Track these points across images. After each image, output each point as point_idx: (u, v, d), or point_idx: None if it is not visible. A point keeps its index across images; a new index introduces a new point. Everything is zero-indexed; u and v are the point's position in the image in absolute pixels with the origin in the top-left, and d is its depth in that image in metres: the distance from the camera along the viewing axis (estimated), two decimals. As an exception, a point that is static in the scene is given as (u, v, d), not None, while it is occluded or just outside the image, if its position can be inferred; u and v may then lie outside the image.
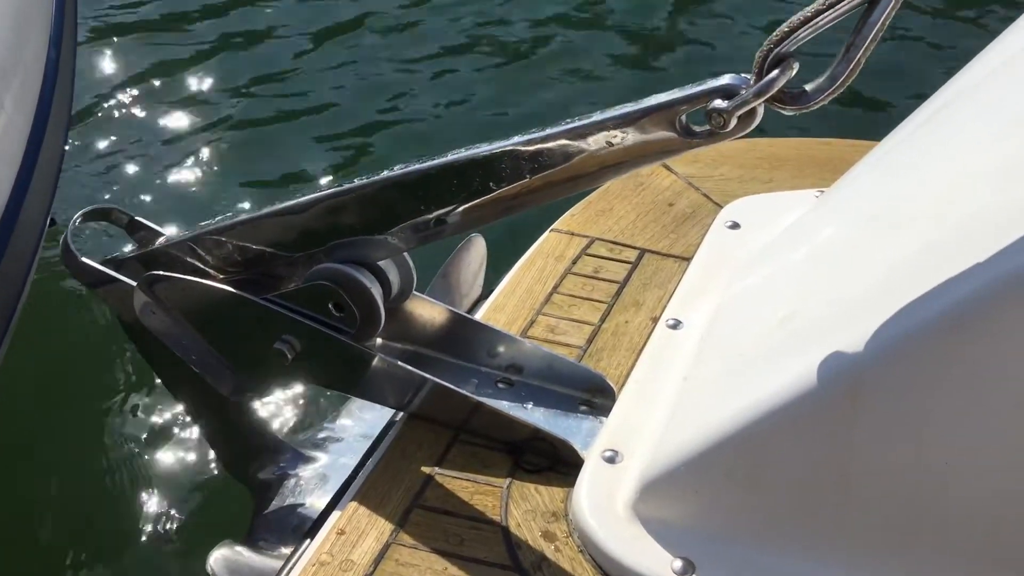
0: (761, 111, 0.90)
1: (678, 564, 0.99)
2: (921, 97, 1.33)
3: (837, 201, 1.27)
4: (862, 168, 1.29)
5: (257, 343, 1.21)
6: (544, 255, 1.48)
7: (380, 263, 1.18)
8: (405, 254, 1.20)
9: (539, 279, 1.43)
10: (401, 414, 1.25)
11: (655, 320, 1.34)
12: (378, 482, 1.14)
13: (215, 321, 1.25)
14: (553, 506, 1.11)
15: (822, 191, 1.47)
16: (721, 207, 1.54)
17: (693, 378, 1.14)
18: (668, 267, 1.45)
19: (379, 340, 1.28)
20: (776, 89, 0.86)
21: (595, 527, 1.04)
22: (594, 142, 0.98)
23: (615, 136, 0.96)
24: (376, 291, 1.16)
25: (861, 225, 1.11)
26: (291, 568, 1.09)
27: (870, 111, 2.94)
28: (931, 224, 0.95)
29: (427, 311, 1.28)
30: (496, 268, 1.60)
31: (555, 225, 1.55)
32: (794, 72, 0.86)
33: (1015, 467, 0.84)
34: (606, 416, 1.19)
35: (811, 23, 0.83)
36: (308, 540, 1.12)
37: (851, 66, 0.83)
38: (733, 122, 0.89)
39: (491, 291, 1.47)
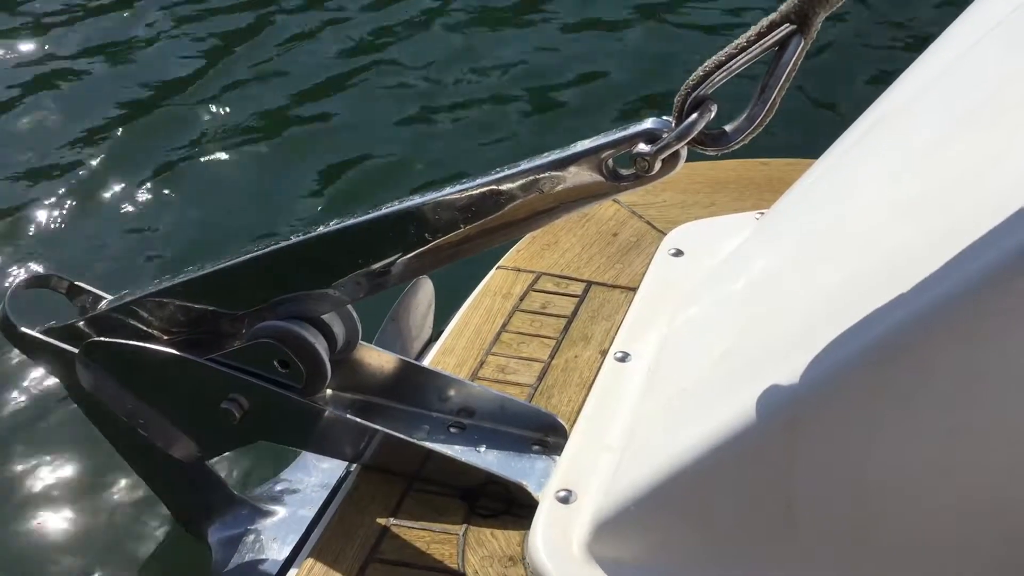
0: (684, 153, 0.91)
1: (634, 602, 0.99)
2: (857, 111, 1.35)
3: (773, 228, 1.29)
4: (798, 191, 1.31)
5: (204, 404, 1.20)
6: (491, 293, 1.48)
7: (324, 316, 1.18)
8: (349, 306, 1.20)
9: (487, 318, 1.43)
10: (355, 465, 1.24)
11: (604, 353, 1.34)
12: (333, 537, 1.13)
13: (160, 384, 1.23)
14: (510, 550, 1.11)
15: (763, 213, 1.49)
16: (665, 234, 1.56)
17: (641, 414, 1.15)
18: (615, 299, 1.46)
19: (329, 392, 1.28)
20: (696, 132, 0.88)
21: (551, 569, 1.04)
22: (524, 189, 0.99)
23: (544, 183, 0.97)
24: (320, 345, 1.16)
25: (794, 254, 1.13)
26: (249, 632, 1.08)
27: (809, 126, 2.99)
28: (858, 254, 0.97)
29: (375, 360, 1.27)
30: (445, 307, 1.60)
31: (501, 261, 1.55)
32: (712, 114, 0.88)
33: (950, 489, 0.86)
34: (559, 455, 1.19)
35: (725, 67, 0.85)
36: (266, 601, 1.12)
37: (767, 106, 0.85)
38: (657, 165, 0.91)
39: (441, 331, 1.47)
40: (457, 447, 1.22)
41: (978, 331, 0.81)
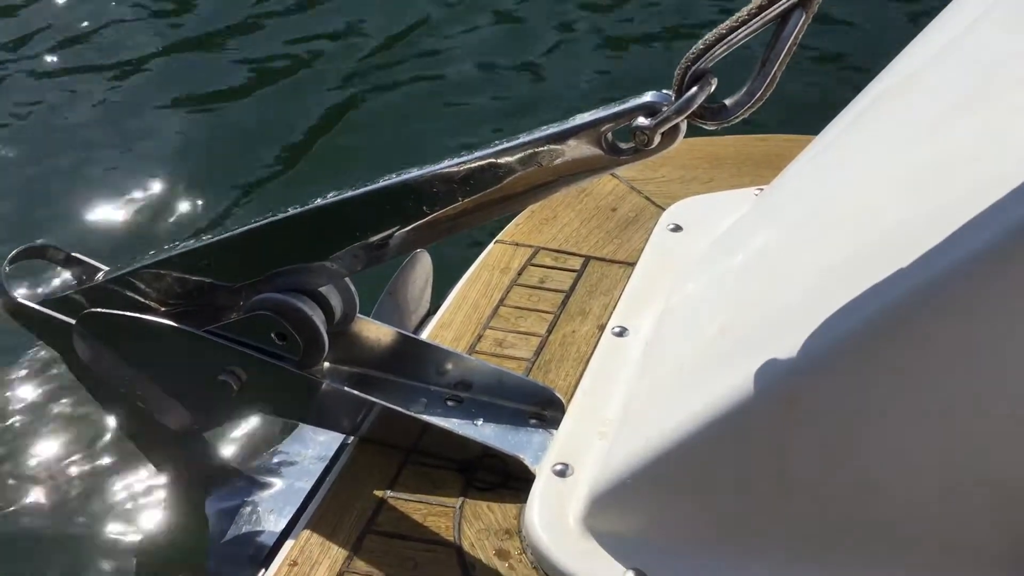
0: (684, 127, 0.91)
1: (630, 575, 0.99)
2: (856, 88, 1.34)
3: (772, 204, 1.29)
4: (796, 167, 1.31)
5: (201, 376, 1.20)
6: (489, 267, 1.48)
7: (322, 289, 1.18)
8: (347, 278, 1.20)
9: (485, 293, 1.43)
10: (352, 437, 1.25)
11: (601, 328, 1.34)
12: (330, 509, 1.14)
13: (157, 356, 1.23)
14: (506, 523, 1.11)
15: (762, 189, 1.49)
16: (663, 210, 1.55)
17: (639, 388, 1.15)
18: (613, 273, 1.46)
19: (326, 364, 1.28)
20: (696, 105, 0.87)
21: (547, 543, 1.05)
22: (522, 162, 0.98)
23: (543, 156, 0.97)
24: (318, 318, 1.16)
25: (793, 230, 1.13)
26: (246, 602, 1.09)
27: (808, 102, 2.98)
28: (857, 230, 0.97)
29: (373, 333, 1.27)
30: (443, 281, 1.60)
31: (500, 236, 1.55)
32: (712, 88, 0.87)
33: (945, 466, 0.86)
34: (556, 429, 1.19)
35: (726, 40, 0.84)
36: (262, 572, 1.12)
37: (767, 80, 0.84)
38: (657, 139, 0.90)
39: (439, 305, 1.47)
40: (454, 420, 1.22)
41: (977, 307, 0.81)
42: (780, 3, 0.82)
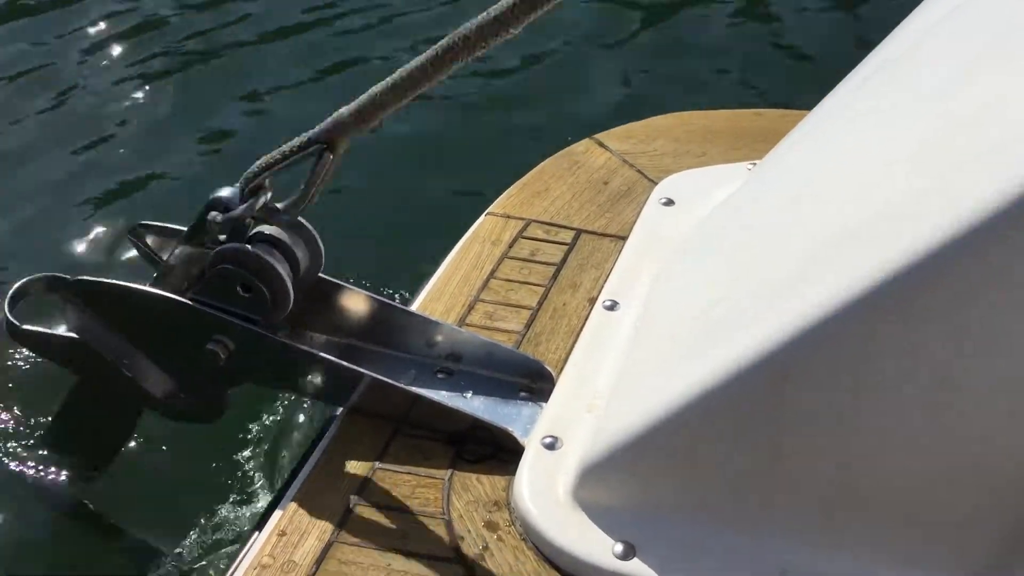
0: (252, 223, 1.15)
1: (619, 548, 1.00)
2: (851, 64, 1.33)
3: (765, 179, 1.28)
4: (790, 143, 1.30)
5: (189, 345, 1.20)
6: (480, 240, 1.47)
7: (286, 240, 1.18)
8: (312, 229, 1.20)
9: (476, 265, 1.42)
10: (341, 409, 1.24)
11: (592, 301, 1.34)
12: (318, 480, 1.13)
13: (147, 325, 1.23)
14: (495, 495, 1.11)
15: (754, 163, 1.48)
16: (656, 183, 1.54)
17: (629, 362, 1.15)
18: (605, 247, 1.45)
19: (315, 336, 1.27)
20: (256, 210, 1.14)
21: (536, 515, 1.05)
22: None
23: None
24: (280, 265, 1.16)
25: (786, 205, 1.12)
26: (233, 571, 1.08)
27: (801, 78, 2.96)
28: (852, 204, 0.96)
29: (364, 305, 1.27)
30: (434, 253, 1.58)
31: (491, 208, 1.54)
32: (266, 199, 1.14)
33: (935, 443, 0.86)
34: (546, 401, 1.19)
35: (277, 164, 1.11)
36: (251, 542, 1.12)
37: (308, 198, 1.12)
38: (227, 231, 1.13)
39: (430, 277, 1.46)
40: (444, 392, 1.22)
41: (972, 283, 0.80)
42: (313, 147, 1.09)
